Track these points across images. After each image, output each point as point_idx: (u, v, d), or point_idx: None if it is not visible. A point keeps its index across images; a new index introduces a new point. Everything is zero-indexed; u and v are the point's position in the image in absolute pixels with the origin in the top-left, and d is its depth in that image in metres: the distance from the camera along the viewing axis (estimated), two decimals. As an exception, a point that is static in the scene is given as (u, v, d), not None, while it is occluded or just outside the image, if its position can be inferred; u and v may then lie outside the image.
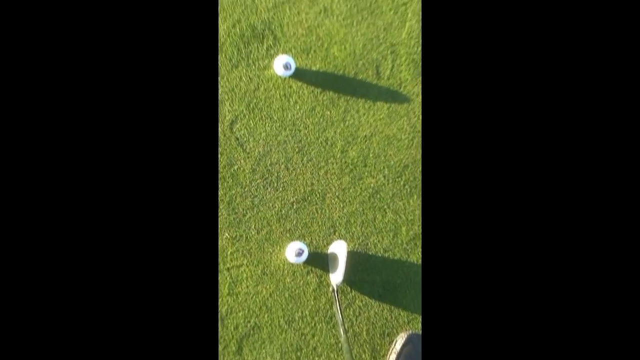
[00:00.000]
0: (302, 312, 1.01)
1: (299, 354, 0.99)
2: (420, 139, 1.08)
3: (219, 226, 1.01)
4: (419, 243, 1.05)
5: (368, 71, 1.09)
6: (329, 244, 1.03)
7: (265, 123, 1.05)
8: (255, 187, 1.03)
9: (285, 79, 1.07)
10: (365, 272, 1.03)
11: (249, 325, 0.99)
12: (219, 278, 1.00)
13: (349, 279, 1.02)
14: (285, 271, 1.01)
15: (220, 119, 1.04)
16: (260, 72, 1.07)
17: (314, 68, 1.08)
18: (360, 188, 1.06)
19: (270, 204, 1.03)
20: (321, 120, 1.07)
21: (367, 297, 1.03)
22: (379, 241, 1.04)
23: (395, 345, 0.99)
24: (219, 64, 1.05)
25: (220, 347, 0.98)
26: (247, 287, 1.00)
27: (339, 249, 0.97)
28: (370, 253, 1.04)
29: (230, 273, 1.00)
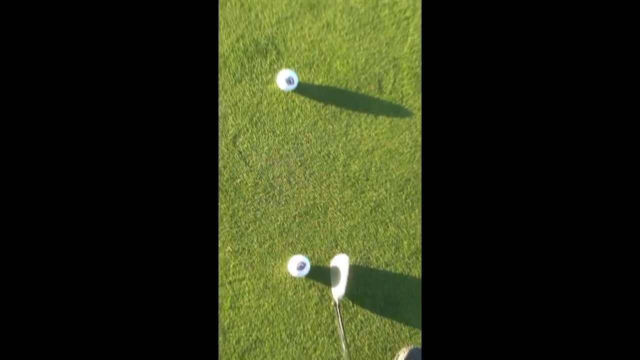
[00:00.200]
0: (304, 326, 1.01)
1: (300, 368, 0.99)
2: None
3: (222, 239, 1.01)
4: (421, 257, 1.05)
5: (370, 85, 1.10)
6: (330, 257, 1.03)
7: (268, 137, 1.06)
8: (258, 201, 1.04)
9: (288, 93, 1.08)
10: (367, 286, 1.03)
11: (250, 339, 0.99)
12: (221, 291, 1.00)
13: (350, 292, 1.02)
14: (287, 285, 1.02)
15: (223, 133, 1.05)
16: (263, 87, 1.08)
17: (316, 82, 1.09)
18: (362, 202, 1.06)
19: (273, 218, 1.04)
20: (323, 134, 1.07)
21: (369, 311, 1.02)
22: (380, 255, 1.05)
23: (397, 359, 0.99)
24: (222, 79, 1.06)
25: (222, 361, 0.98)
26: (249, 300, 1.00)
27: (341, 262, 0.97)
28: (372, 267, 1.04)
29: (232, 286, 1.00)
